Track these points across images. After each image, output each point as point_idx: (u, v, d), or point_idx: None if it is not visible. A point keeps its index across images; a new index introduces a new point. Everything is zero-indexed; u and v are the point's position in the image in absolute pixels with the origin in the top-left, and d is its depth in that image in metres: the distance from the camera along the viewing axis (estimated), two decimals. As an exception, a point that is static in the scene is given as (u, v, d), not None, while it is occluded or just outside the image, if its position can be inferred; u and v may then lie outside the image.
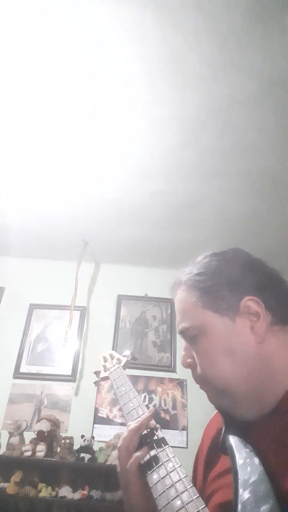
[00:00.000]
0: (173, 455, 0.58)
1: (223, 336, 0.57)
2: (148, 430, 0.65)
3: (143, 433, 0.65)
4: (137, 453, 0.60)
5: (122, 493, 0.62)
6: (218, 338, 0.57)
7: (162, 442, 0.62)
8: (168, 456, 0.58)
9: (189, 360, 0.61)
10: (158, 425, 0.66)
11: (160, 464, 0.57)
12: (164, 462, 0.57)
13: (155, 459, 0.58)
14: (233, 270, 0.61)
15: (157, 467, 0.56)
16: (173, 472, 0.55)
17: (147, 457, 0.60)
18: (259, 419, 0.54)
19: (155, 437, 0.63)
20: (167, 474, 0.54)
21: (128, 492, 0.60)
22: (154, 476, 0.55)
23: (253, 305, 0.57)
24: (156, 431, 0.65)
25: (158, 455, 0.59)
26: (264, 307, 0.57)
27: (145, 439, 0.63)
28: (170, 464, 0.56)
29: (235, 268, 0.61)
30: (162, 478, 0.54)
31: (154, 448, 0.61)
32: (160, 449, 0.60)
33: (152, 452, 0.60)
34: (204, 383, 0.58)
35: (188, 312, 0.61)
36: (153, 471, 0.56)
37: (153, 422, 0.67)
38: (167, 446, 0.61)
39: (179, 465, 0.56)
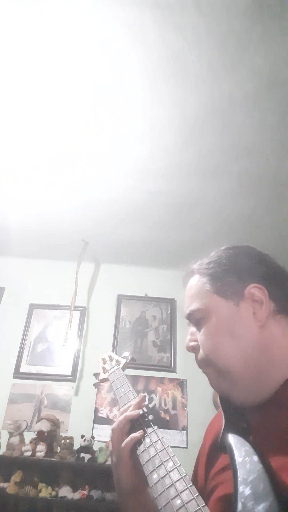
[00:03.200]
0: (173, 455, 0.58)
1: (227, 319, 0.60)
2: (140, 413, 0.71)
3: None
4: (134, 434, 0.65)
5: (113, 472, 0.67)
6: (222, 320, 0.60)
7: (151, 423, 0.67)
8: (169, 455, 0.60)
9: (192, 343, 0.64)
10: (145, 407, 0.71)
11: (149, 444, 0.62)
12: (164, 461, 0.57)
13: (144, 439, 0.64)
14: (242, 260, 0.65)
15: (147, 447, 0.60)
16: (173, 471, 0.55)
17: (138, 437, 0.65)
18: (257, 409, 0.55)
19: (146, 419, 0.68)
20: (167, 473, 0.54)
21: (119, 470, 0.65)
22: (154, 476, 0.56)
23: (257, 292, 0.60)
24: (147, 415, 0.69)
25: (147, 435, 0.64)
26: (268, 295, 0.59)
27: (136, 421, 0.68)
28: (170, 464, 0.56)
29: (244, 258, 0.65)
30: (162, 478, 0.54)
31: (144, 429, 0.66)
32: (149, 430, 0.65)
33: (143, 433, 0.65)
34: (206, 364, 0.60)
35: (197, 296, 0.65)
36: (144, 451, 0.61)
37: (143, 407, 0.72)
38: (156, 427, 0.66)
39: (178, 464, 0.56)
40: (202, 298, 0.63)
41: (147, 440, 0.63)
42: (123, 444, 0.65)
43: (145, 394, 0.74)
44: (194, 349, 0.63)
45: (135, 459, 0.63)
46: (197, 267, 0.68)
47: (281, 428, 0.50)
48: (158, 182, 2.38)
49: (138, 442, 0.64)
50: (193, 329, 0.65)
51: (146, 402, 0.74)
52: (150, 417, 0.69)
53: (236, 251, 0.67)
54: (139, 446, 0.63)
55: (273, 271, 0.64)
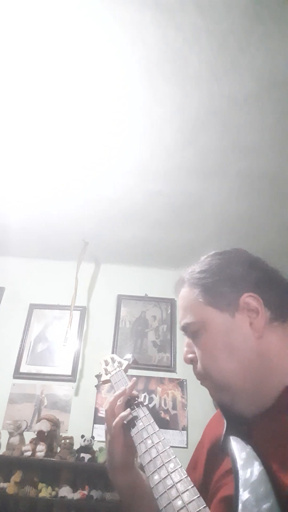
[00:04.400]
0: (174, 456, 0.58)
1: (223, 331, 0.58)
2: (130, 397, 0.76)
3: (127, 399, 0.75)
4: (122, 414, 0.70)
5: (106, 449, 0.73)
6: (218, 333, 0.59)
7: (140, 404, 0.73)
8: (144, 413, 0.70)
9: (190, 355, 0.63)
10: (138, 394, 0.77)
11: (142, 427, 0.67)
12: (166, 462, 0.57)
13: (135, 418, 0.70)
14: (233, 267, 0.63)
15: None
16: (174, 472, 0.55)
17: (130, 417, 0.70)
18: (258, 416, 0.54)
19: (135, 401, 0.74)
20: (168, 474, 0.54)
21: (111, 446, 0.70)
22: (155, 477, 0.56)
23: (252, 302, 0.58)
24: (138, 398, 0.75)
25: (137, 414, 0.70)
26: (263, 303, 0.58)
27: (128, 403, 0.74)
28: (171, 465, 0.56)
29: (236, 266, 0.63)
30: (163, 479, 0.54)
31: (134, 409, 0.72)
32: (139, 409, 0.72)
33: (134, 413, 0.71)
34: (205, 378, 0.60)
35: (190, 308, 0.63)
36: (136, 431, 0.67)
37: (134, 391, 0.76)
38: (145, 407, 0.72)
39: (180, 465, 0.56)
40: (196, 311, 0.62)
41: (140, 423, 0.68)
42: (113, 423, 0.69)
43: (135, 378, 0.78)
44: (192, 361, 0.62)
45: (127, 438, 0.69)
46: (188, 277, 0.66)
47: (282, 432, 0.49)
48: (158, 182, 2.38)
49: (130, 421, 0.70)
50: (189, 340, 0.64)
51: (140, 397, 0.78)
52: (141, 399, 0.76)
53: (227, 257, 0.65)
54: (132, 428, 0.68)
55: (266, 276, 0.62)
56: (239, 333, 0.57)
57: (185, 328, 0.64)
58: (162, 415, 2.59)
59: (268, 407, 0.54)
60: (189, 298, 0.64)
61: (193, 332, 0.62)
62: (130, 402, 0.74)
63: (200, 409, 2.56)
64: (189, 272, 0.67)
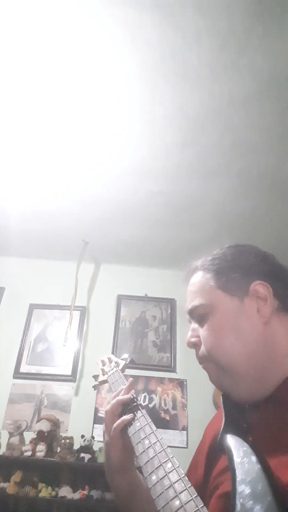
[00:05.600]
0: (172, 456, 0.58)
1: (231, 315, 0.60)
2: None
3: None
4: (125, 417, 0.70)
5: (105, 451, 0.72)
6: (226, 316, 0.60)
7: (140, 406, 0.73)
8: (142, 413, 0.70)
9: (193, 339, 0.64)
10: (133, 393, 0.77)
11: (139, 428, 0.67)
12: (163, 462, 0.57)
13: (134, 420, 0.70)
14: (247, 257, 0.65)
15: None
16: (172, 472, 0.55)
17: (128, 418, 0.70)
18: (256, 406, 0.55)
19: (134, 403, 0.74)
20: (166, 474, 0.54)
21: (109, 448, 0.70)
22: (153, 477, 0.55)
23: (261, 289, 0.60)
24: (137, 400, 0.75)
25: (136, 416, 0.70)
26: (272, 293, 0.60)
27: (126, 404, 0.74)
28: (169, 465, 0.56)
29: (249, 255, 0.65)
30: (160, 479, 0.54)
31: (133, 412, 0.72)
32: (138, 412, 0.71)
33: (132, 416, 0.71)
34: (207, 360, 0.61)
35: (200, 291, 0.65)
36: (133, 431, 0.67)
37: (132, 392, 0.77)
38: (143, 410, 0.72)
39: (177, 465, 0.56)
40: (206, 294, 0.63)
41: (137, 423, 0.68)
42: (114, 425, 0.69)
43: (132, 379, 0.78)
44: (195, 345, 0.63)
45: (125, 440, 0.69)
46: (200, 264, 0.68)
47: (279, 426, 0.50)
48: (158, 182, 2.38)
49: (129, 423, 0.69)
50: (194, 325, 0.65)
51: (137, 398, 0.77)
52: (139, 401, 0.75)
53: (240, 249, 0.67)
54: (129, 428, 0.68)
55: (278, 269, 0.64)
56: (246, 318, 0.59)
57: (192, 311, 0.65)
58: (162, 415, 2.59)
59: (267, 396, 0.55)
60: (201, 281, 0.66)
61: (201, 315, 0.63)
62: (127, 403, 0.74)
63: (200, 409, 2.56)
64: (202, 260, 0.69)
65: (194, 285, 0.67)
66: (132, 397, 0.75)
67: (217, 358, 0.58)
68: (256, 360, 0.56)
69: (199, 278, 0.67)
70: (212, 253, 0.69)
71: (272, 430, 0.50)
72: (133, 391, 0.77)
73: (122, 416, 0.71)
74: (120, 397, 0.74)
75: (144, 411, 0.71)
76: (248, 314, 0.59)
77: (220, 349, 0.58)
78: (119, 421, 0.69)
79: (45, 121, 2.00)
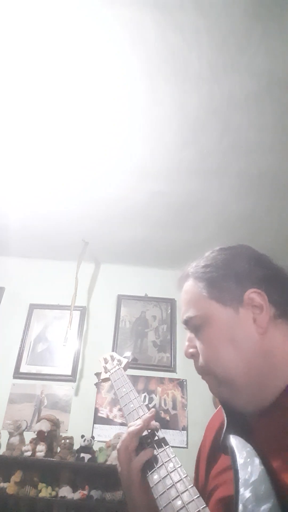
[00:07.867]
0: (174, 455, 0.58)
1: (227, 326, 0.58)
2: (149, 430, 0.65)
3: (144, 434, 0.64)
4: (142, 453, 0.60)
5: (125, 494, 0.62)
6: (222, 328, 0.58)
7: (162, 442, 0.62)
8: (169, 456, 0.58)
9: (191, 350, 0.62)
10: (158, 425, 0.66)
11: (160, 464, 0.57)
12: (165, 462, 0.57)
13: (155, 460, 0.58)
14: (239, 263, 0.62)
15: (157, 468, 0.57)
16: (174, 472, 0.54)
17: (148, 457, 0.60)
18: (259, 414, 0.54)
19: (156, 438, 0.63)
20: (168, 474, 0.54)
21: (132, 493, 0.60)
22: (154, 477, 0.55)
23: (256, 298, 0.58)
24: (157, 432, 0.65)
25: (158, 455, 0.59)
26: (267, 300, 0.58)
27: (145, 439, 0.63)
28: (171, 464, 0.56)
29: (241, 261, 0.62)
30: (162, 479, 0.54)
31: (155, 448, 0.61)
32: (160, 449, 0.60)
33: (153, 453, 0.60)
34: (206, 372, 0.59)
35: (193, 302, 0.63)
36: (153, 471, 0.56)
37: (153, 422, 0.66)
38: (167, 447, 0.61)
39: (179, 465, 0.56)
40: (199, 305, 0.61)
41: (159, 459, 0.57)
42: (131, 465, 0.60)
43: (155, 407, 0.71)
44: (193, 356, 0.62)
45: (147, 481, 0.58)
46: (192, 271, 0.66)
47: (283, 431, 0.49)
48: (158, 182, 2.38)
49: (148, 463, 0.59)
50: (191, 334, 0.63)
51: (158, 428, 0.66)
52: (160, 434, 0.63)
53: (232, 252, 0.65)
54: (149, 470, 0.57)
55: (272, 273, 0.62)
56: (242, 329, 0.57)
57: (187, 322, 0.63)
58: (162, 415, 2.59)
59: (268, 404, 0.54)
60: (193, 291, 0.63)
61: (196, 326, 0.61)
62: (147, 437, 0.64)
63: (200, 409, 2.55)
64: (194, 267, 0.66)
65: (187, 293, 0.65)
66: (153, 428, 0.64)
67: (215, 371, 0.57)
68: (255, 370, 0.55)
69: (191, 287, 0.64)
70: (204, 256, 0.67)
71: (276, 434, 0.50)
72: (155, 423, 0.65)
73: (138, 451, 0.61)
74: (131, 428, 0.64)
75: (167, 446, 0.60)
76: (244, 325, 0.57)
77: (217, 363, 0.57)
78: (136, 458, 0.60)
79: (45, 121, 2.00)
